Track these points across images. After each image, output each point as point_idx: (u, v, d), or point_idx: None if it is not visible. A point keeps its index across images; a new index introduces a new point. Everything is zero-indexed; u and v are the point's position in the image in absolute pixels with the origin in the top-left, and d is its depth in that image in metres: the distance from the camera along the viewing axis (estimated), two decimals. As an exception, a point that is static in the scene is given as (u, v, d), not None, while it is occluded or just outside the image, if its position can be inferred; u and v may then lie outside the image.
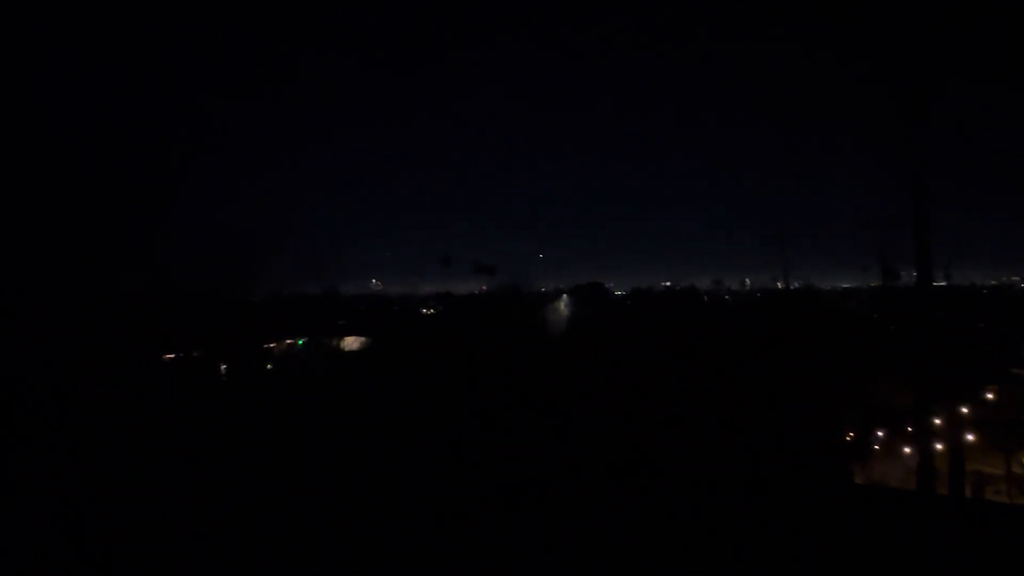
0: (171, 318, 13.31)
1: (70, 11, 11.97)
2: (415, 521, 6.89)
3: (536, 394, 13.25)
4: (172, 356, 14.83)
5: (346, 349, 20.32)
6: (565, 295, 35.55)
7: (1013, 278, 51.85)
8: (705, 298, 34.85)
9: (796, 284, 26.46)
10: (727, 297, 37.19)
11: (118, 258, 11.97)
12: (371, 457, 9.38)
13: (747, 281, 39.37)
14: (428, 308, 30.23)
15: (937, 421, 14.89)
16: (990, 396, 28.53)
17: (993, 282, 52.51)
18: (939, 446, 13.74)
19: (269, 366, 16.62)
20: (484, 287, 30.79)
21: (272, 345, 17.69)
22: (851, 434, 16.31)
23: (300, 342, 18.69)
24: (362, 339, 20.95)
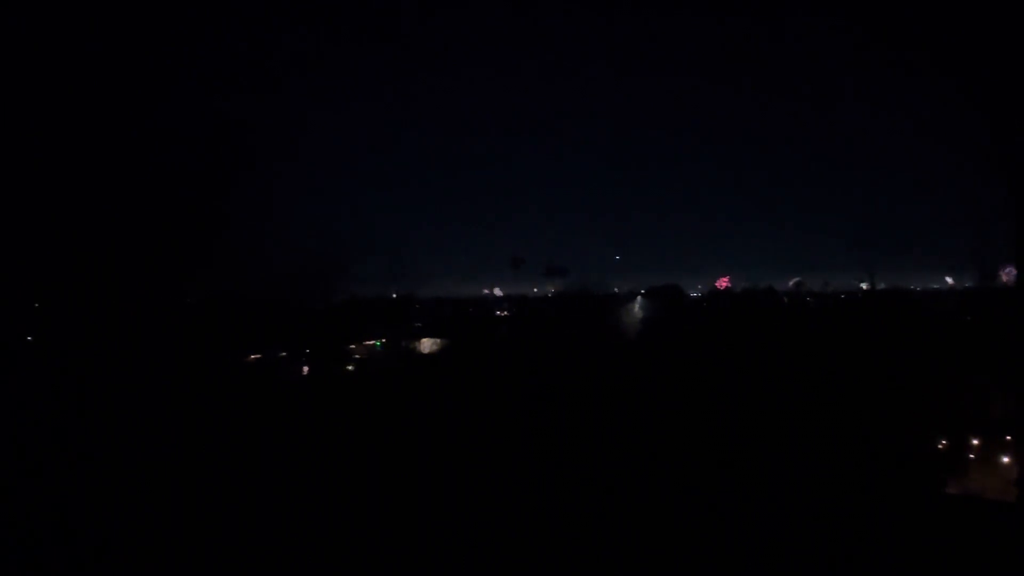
0: (258, 321, 13.95)
1: (192, 25, 12.75)
2: (497, 517, 6.97)
3: (611, 398, 13.15)
4: (257, 357, 15.53)
5: (422, 351, 20.70)
6: (639, 297, 35.00)
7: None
8: (785, 300, 33.70)
9: (882, 285, 25.31)
10: (809, 299, 35.83)
11: (210, 264, 12.62)
12: (445, 456, 9.53)
13: (828, 283, 37.87)
14: (501, 310, 30.46)
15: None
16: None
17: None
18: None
19: (349, 367, 17.13)
20: (555, 289, 30.83)
21: (352, 347, 18.20)
22: (944, 443, 15.51)
23: (378, 344, 19.16)
24: (437, 341, 21.29)
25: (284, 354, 15.27)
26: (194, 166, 12.42)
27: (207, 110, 12.64)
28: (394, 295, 19.96)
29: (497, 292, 33.14)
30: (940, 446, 15.83)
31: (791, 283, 37.85)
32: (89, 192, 11.31)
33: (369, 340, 18.58)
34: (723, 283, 43.33)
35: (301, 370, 15.75)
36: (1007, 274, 17.69)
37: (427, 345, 20.92)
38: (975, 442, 16.54)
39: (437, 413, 12.30)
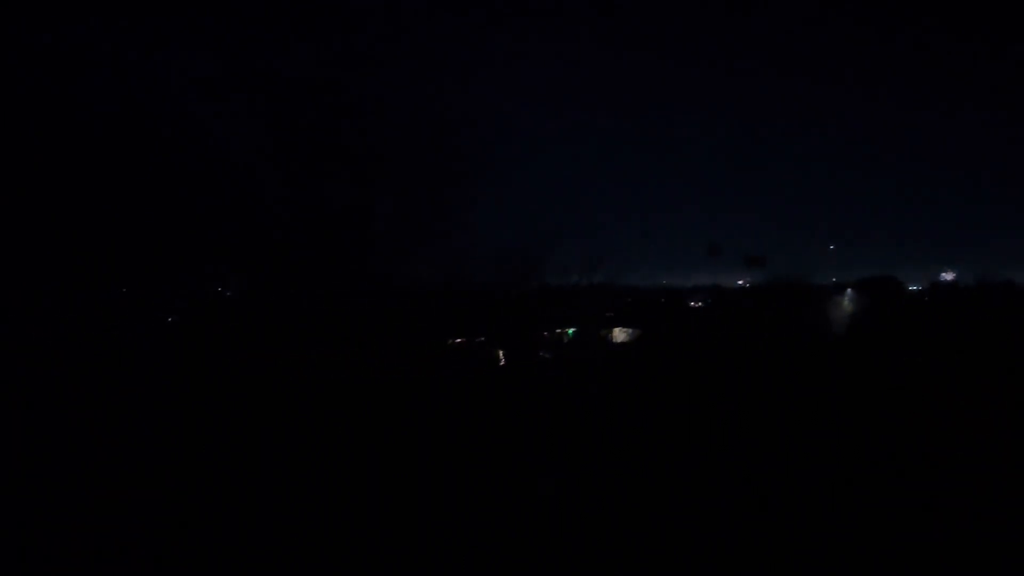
0: (460, 307, 14.67)
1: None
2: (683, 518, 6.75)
3: (815, 400, 12.23)
4: (459, 341, 16.34)
5: (614, 340, 20.62)
6: (849, 290, 32.40)
7: None
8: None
9: None
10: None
11: (417, 251, 13.43)
12: (632, 450, 9.37)
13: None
14: (695, 301, 29.45)
15: None
16: None
17: None
18: None
19: (542, 353, 17.47)
20: (753, 280, 29.22)
21: (544, 334, 18.53)
22: None
23: (570, 332, 19.34)
24: (629, 331, 21.10)
25: (482, 339, 15.94)
26: (423, 159, 13.23)
27: (437, 104, 13.40)
28: (587, 284, 20.00)
29: (693, 282, 32.07)
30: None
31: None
32: (324, 182, 12.48)
33: (561, 328, 18.82)
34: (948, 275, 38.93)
35: (497, 355, 16.33)
36: None
37: (619, 335, 20.81)
38: None
39: (626, 405, 12.17)
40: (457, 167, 13.00)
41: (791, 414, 11.27)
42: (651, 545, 6.07)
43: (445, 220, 13.09)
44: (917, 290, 38.65)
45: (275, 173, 12.25)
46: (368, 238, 12.71)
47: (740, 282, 30.36)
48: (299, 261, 12.55)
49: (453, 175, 13.09)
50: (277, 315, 12.81)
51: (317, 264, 12.55)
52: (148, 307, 14.18)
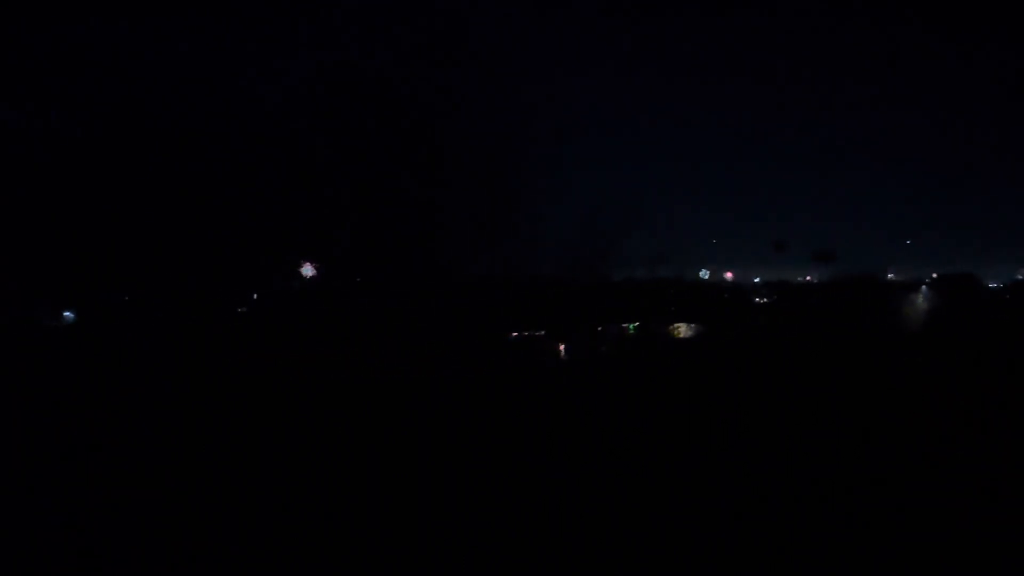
0: (522, 300, 14.72)
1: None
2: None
3: (889, 399, 11.79)
4: (517, 335, 16.40)
5: (676, 335, 20.34)
6: (924, 286, 31.14)
7: None
8: None
9: None
10: None
11: (482, 246, 13.58)
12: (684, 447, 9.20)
13: None
14: (760, 297, 28.74)
15: None
16: None
17: None
18: None
19: (603, 348, 17.39)
20: (822, 276, 28.36)
21: (606, 328, 18.43)
22: None
23: (632, 327, 19.18)
24: (692, 326, 20.77)
25: (542, 333, 15.94)
26: (490, 155, 13.37)
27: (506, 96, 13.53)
28: (650, 278, 19.80)
29: (758, 277, 31.31)
30: None
31: None
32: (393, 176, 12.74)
33: (624, 322, 18.69)
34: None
35: (558, 349, 16.32)
36: None
37: (681, 330, 20.51)
38: None
39: (688, 403, 11.97)
40: (523, 162, 13.09)
41: (861, 415, 10.90)
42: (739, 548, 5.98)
43: (510, 215, 13.20)
44: (997, 287, 36.75)
45: (346, 168, 12.55)
46: (435, 233, 12.91)
47: (807, 277, 29.53)
48: (367, 255, 12.83)
49: (519, 170, 13.17)
50: (345, 308, 13.14)
51: (385, 258, 12.81)
52: (222, 299, 14.78)
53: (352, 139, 12.75)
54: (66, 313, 15.57)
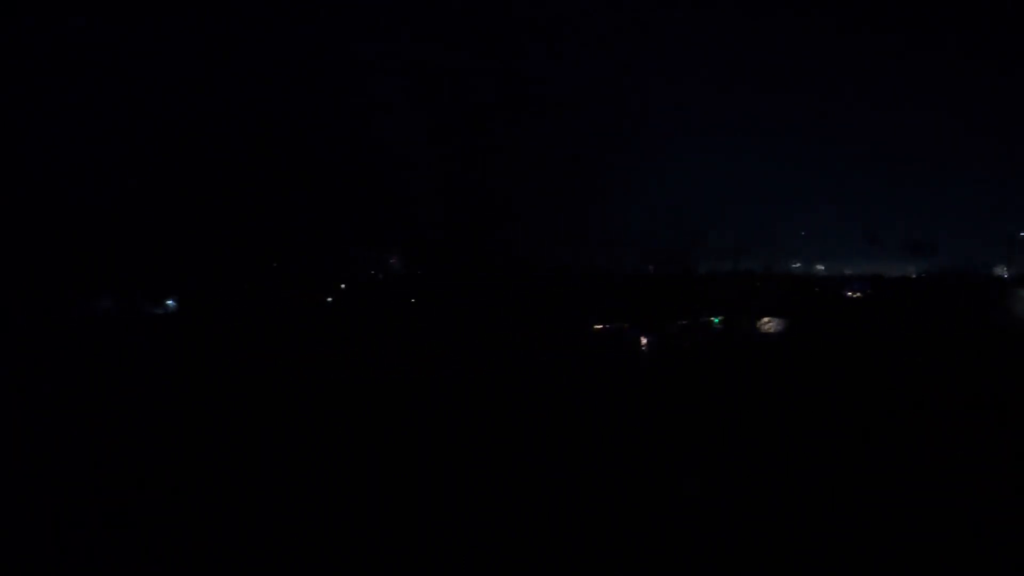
0: (606, 292, 14.64)
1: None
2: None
3: (990, 400, 11.09)
4: (601, 327, 16.31)
5: (762, 330, 19.70)
6: (1038, 285, 29.06)
7: None
8: None
9: None
10: None
11: (565, 238, 13.55)
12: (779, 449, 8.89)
13: None
14: (853, 291, 27.48)
15: None
16: None
17: None
18: None
19: (686, 343, 17.05)
20: (918, 270, 27.04)
21: (689, 321, 18.08)
22: None
23: (715, 320, 18.73)
24: (779, 321, 20.09)
25: (626, 325, 15.83)
26: (574, 148, 13.35)
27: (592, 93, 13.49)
28: (736, 271, 19.31)
29: (850, 270, 29.99)
30: None
31: None
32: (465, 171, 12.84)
33: (709, 316, 18.29)
34: None
35: (640, 342, 16.15)
36: None
37: (767, 325, 19.85)
38: None
39: (773, 400, 11.58)
40: (608, 155, 12.97)
41: (959, 415, 10.30)
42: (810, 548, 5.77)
43: (594, 207, 13.12)
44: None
45: (430, 162, 12.74)
46: (518, 225, 12.96)
47: (911, 271, 28.18)
48: (451, 247, 13.00)
49: (604, 163, 13.06)
50: (428, 298, 13.37)
51: (468, 250, 12.95)
52: (310, 289, 15.30)
53: (434, 132, 12.91)
54: (168, 301, 16.50)
